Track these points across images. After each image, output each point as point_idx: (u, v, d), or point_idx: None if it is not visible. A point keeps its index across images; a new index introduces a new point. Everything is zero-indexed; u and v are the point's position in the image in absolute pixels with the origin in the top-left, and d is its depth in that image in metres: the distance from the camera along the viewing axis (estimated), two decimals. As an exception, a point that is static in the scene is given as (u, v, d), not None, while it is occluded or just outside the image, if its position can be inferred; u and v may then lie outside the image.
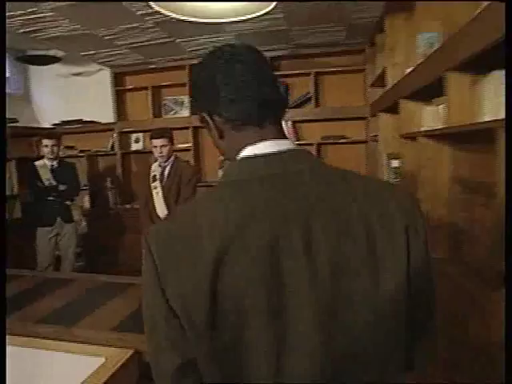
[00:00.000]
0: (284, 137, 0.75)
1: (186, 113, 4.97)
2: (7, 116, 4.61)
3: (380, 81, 3.41)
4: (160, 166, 3.16)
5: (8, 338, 1.64)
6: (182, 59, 4.66)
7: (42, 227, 3.70)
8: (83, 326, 1.69)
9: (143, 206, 3.21)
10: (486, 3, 1.35)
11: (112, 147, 5.14)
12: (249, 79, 0.72)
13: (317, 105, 4.60)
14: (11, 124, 4.51)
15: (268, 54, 4.51)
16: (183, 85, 4.79)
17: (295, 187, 0.66)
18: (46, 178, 3.68)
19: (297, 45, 4.32)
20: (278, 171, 0.68)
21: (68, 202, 3.77)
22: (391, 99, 2.82)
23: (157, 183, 3.13)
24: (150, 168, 3.24)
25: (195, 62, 4.66)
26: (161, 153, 3.08)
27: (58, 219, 3.71)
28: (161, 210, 3.10)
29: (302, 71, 4.55)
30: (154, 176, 3.16)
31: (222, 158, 4.94)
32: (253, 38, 3.93)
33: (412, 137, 2.40)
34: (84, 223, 3.94)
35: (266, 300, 0.61)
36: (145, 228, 3.15)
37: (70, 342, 1.52)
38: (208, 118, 0.75)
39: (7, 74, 5.40)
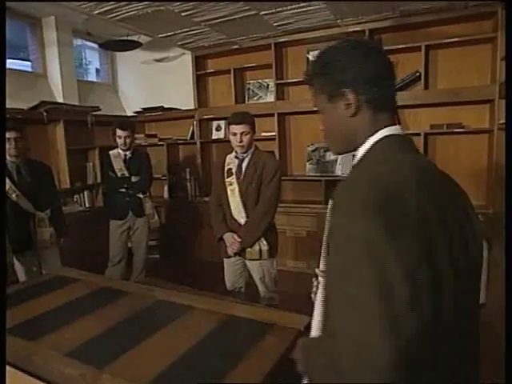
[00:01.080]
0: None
1: (271, 98, 4.48)
2: (92, 104, 4.58)
3: (523, 49, 2.53)
4: (237, 157, 2.63)
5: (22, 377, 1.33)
6: (267, 37, 4.15)
7: (114, 220, 3.53)
8: (117, 368, 1.31)
9: (215, 205, 2.73)
10: None
11: (192, 135, 4.87)
12: (389, 68, 0.88)
13: (426, 86, 3.77)
14: (94, 112, 4.45)
15: (367, 26, 3.80)
16: (268, 66, 4.30)
17: (433, 172, 0.83)
18: (119, 168, 3.49)
19: (403, 12, 3.53)
20: (418, 156, 0.87)
21: (140, 195, 3.54)
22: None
23: (232, 178, 2.61)
24: (224, 160, 2.74)
25: (282, 39, 4.14)
26: (241, 141, 2.52)
27: (130, 213, 3.51)
28: (237, 211, 2.60)
29: (410, 45, 3.74)
30: (230, 170, 2.64)
31: (310, 149, 4.39)
32: (349, 5, 3.26)
33: None
34: (156, 217, 3.69)
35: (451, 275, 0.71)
36: (217, 235, 2.69)
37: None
38: (352, 94, 0.85)
39: (97, 66, 5.47)
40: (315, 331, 1.01)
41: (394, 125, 0.86)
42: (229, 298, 2.61)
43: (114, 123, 3.55)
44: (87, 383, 1.25)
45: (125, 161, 3.51)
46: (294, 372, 0.88)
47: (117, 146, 3.53)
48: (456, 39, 3.56)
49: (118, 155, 3.52)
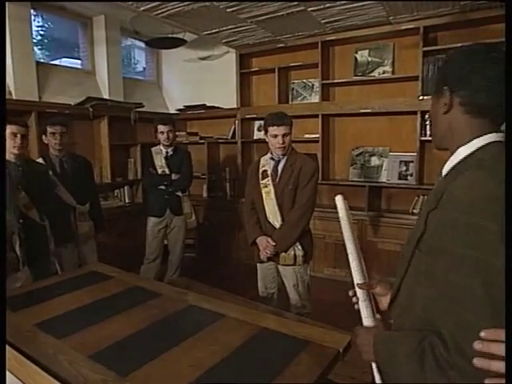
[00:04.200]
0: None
1: (315, 98, 4.33)
2: (136, 100, 4.63)
3: None
4: (273, 159, 2.54)
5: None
6: (313, 35, 4.01)
7: (152, 216, 3.50)
8: (140, 377, 1.23)
9: (249, 208, 2.64)
10: None
11: (233, 135, 4.81)
12: (495, 81, 0.85)
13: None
14: (137, 109, 4.50)
15: (422, 23, 3.56)
16: (314, 66, 4.16)
17: None
18: (160, 165, 3.46)
19: (463, 7, 3.27)
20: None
21: (179, 194, 3.49)
22: None
23: (268, 180, 2.51)
24: (258, 161, 2.65)
25: (329, 38, 3.99)
26: (282, 143, 2.43)
27: (168, 211, 3.47)
28: (273, 214, 2.50)
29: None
30: (265, 171, 2.54)
31: (355, 153, 4.20)
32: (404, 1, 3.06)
33: None
34: (194, 217, 3.64)
35: None
36: (250, 238, 2.59)
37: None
38: (447, 94, 0.91)
39: (144, 65, 5.56)
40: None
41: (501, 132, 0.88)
42: (260, 303, 2.51)
43: (155, 120, 3.53)
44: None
45: (166, 158, 3.48)
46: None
47: (158, 144, 3.51)
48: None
49: (159, 152, 3.50)
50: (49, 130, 2.89)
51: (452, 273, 0.76)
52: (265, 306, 2.46)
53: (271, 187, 2.49)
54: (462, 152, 0.90)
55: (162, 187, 3.44)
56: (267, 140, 2.52)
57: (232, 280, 3.93)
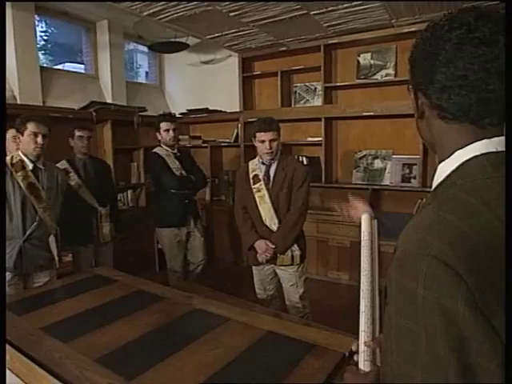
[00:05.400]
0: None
1: (318, 102, 4.34)
2: (139, 105, 4.65)
3: None
4: (263, 163, 2.54)
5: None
6: (316, 39, 4.02)
7: (169, 227, 3.17)
8: (145, 381, 1.23)
9: (241, 214, 2.61)
10: None
11: (236, 138, 4.82)
12: (475, 67, 0.60)
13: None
14: (141, 113, 4.51)
15: (423, 26, 3.54)
16: (316, 69, 4.16)
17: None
18: (175, 167, 3.14)
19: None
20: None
21: (195, 197, 3.32)
22: None
23: (260, 185, 2.52)
24: (247, 166, 2.63)
25: (332, 41, 4.00)
26: (270, 148, 2.45)
27: (189, 217, 3.19)
28: (269, 217, 2.50)
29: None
30: (256, 176, 2.54)
31: (358, 156, 4.21)
32: (406, 3, 3.06)
33: None
34: (203, 222, 3.59)
35: None
36: (247, 243, 2.57)
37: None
38: (412, 93, 0.71)
39: (147, 69, 5.59)
40: None
41: (496, 136, 0.63)
42: (262, 306, 2.51)
43: (156, 119, 3.29)
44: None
45: (178, 159, 3.21)
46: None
47: (159, 145, 3.25)
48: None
49: (168, 154, 3.17)
50: (77, 133, 3.00)
51: (390, 334, 0.61)
52: (268, 309, 2.46)
53: (265, 191, 2.50)
54: (444, 169, 0.68)
55: (185, 191, 3.14)
56: (256, 145, 2.53)
57: (234, 283, 3.93)
